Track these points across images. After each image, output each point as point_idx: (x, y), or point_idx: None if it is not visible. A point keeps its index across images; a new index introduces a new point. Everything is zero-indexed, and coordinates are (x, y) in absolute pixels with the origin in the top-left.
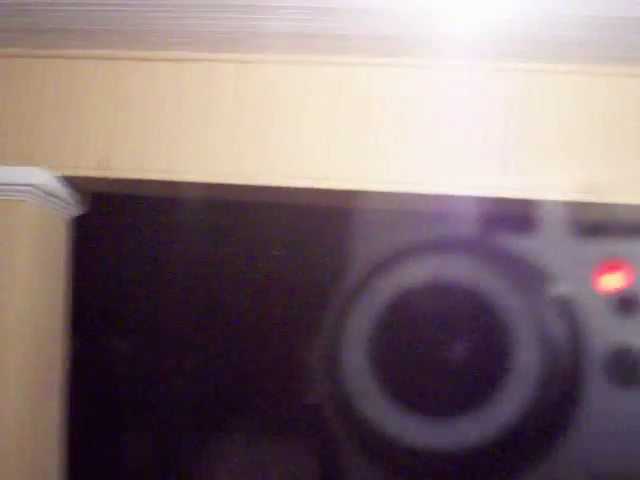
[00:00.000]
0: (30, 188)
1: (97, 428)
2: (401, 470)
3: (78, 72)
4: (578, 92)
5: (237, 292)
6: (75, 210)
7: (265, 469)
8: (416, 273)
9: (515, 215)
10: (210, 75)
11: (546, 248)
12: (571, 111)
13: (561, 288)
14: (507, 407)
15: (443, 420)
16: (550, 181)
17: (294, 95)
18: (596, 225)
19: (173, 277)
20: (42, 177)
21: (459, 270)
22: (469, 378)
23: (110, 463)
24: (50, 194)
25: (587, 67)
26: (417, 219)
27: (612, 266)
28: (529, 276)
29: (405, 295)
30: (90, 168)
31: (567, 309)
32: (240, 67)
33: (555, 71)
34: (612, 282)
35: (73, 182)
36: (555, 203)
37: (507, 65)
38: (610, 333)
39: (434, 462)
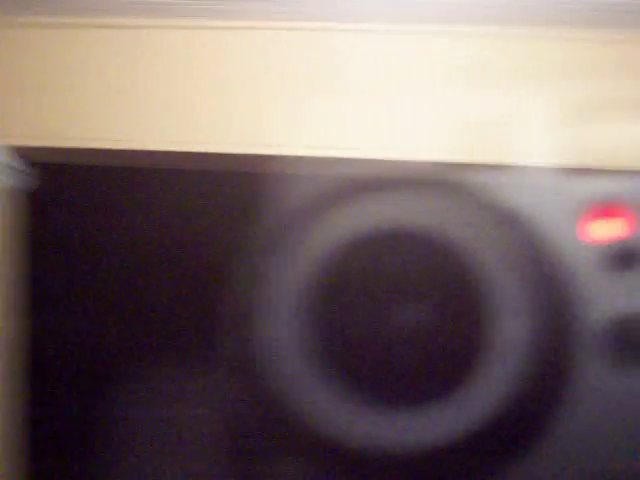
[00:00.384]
0: None
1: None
2: (344, 475)
3: (32, 40)
4: (534, 56)
5: (191, 260)
6: (30, 183)
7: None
8: (358, 220)
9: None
10: (165, 41)
11: (524, 190)
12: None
13: (546, 239)
14: (483, 393)
15: (403, 411)
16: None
17: (248, 61)
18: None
19: (129, 250)
20: None
21: (414, 214)
22: (433, 355)
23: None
24: (3, 166)
25: (542, 30)
26: (366, 186)
27: (608, 210)
28: (504, 224)
29: (345, 248)
30: (44, 138)
31: (554, 266)
32: (193, 33)
33: (512, 35)
34: (608, 230)
35: (27, 153)
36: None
37: (449, 29)
38: (608, 297)
39: (392, 466)
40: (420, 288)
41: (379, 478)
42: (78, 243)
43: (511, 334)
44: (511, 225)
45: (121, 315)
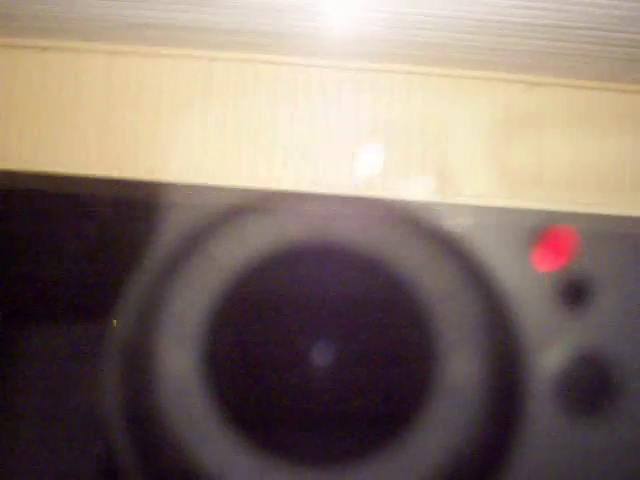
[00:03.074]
0: None
1: None
2: None
3: None
4: (444, 94)
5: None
6: None
7: None
8: (269, 231)
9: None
10: (79, 65)
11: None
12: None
13: (496, 272)
14: (427, 437)
15: (324, 472)
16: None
17: (163, 89)
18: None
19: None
20: None
21: (343, 226)
22: (360, 405)
23: None
24: None
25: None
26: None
27: (553, 239)
28: (446, 253)
29: (251, 268)
30: None
31: (504, 299)
32: (111, 58)
33: (427, 73)
34: (554, 260)
35: None
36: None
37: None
38: (560, 335)
39: None
40: (345, 319)
41: None
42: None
43: (459, 373)
44: (456, 255)
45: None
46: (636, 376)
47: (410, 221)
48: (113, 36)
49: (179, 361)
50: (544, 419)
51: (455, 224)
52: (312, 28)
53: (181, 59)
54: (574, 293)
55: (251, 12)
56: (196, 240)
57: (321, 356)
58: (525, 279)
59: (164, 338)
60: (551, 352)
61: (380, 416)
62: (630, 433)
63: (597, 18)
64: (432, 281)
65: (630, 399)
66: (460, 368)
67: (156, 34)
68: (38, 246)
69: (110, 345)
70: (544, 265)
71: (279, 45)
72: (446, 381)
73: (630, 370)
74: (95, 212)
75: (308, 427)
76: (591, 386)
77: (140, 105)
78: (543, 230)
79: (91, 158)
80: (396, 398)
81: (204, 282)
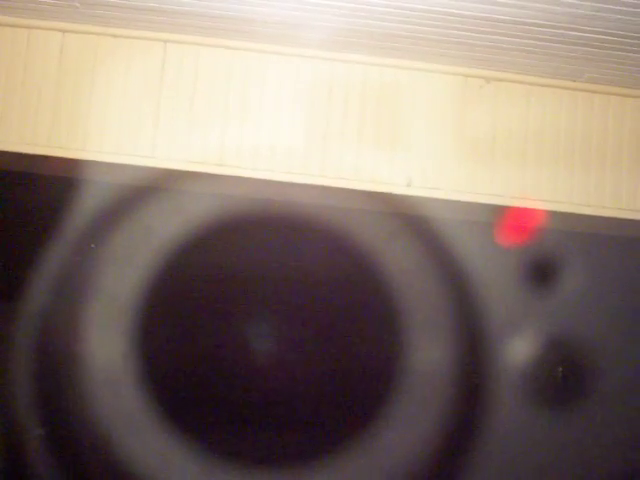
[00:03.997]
0: None
1: None
2: None
3: None
4: (415, 86)
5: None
6: None
7: None
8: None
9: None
10: (31, 43)
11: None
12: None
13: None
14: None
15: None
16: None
17: (117, 70)
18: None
19: None
20: None
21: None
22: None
23: None
24: None
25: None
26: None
27: (516, 216)
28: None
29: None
30: None
31: (467, 285)
32: (63, 37)
33: (390, 65)
34: (517, 235)
35: None
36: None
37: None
38: (528, 320)
39: None
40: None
41: None
42: None
43: (426, 357)
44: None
45: None
46: (601, 356)
47: (372, 203)
48: (66, 15)
49: (105, 342)
50: (510, 401)
51: (416, 206)
52: (262, 14)
53: (136, 40)
54: (539, 277)
55: None
56: (130, 217)
57: (267, 344)
58: (491, 262)
59: (90, 321)
60: (517, 336)
61: (345, 404)
62: (596, 410)
63: (557, 16)
64: (396, 263)
65: (595, 378)
66: (427, 352)
67: (111, 14)
68: None
69: (27, 325)
70: (508, 240)
71: (233, 30)
72: (413, 364)
73: (593, 351)
74: (24, 190)
75: (255, 419)
76: (556, 367)
77: (93, 85)
78: (507, 207)
79: (41, 136)
80: (364, 381)
81: (132, 260)
